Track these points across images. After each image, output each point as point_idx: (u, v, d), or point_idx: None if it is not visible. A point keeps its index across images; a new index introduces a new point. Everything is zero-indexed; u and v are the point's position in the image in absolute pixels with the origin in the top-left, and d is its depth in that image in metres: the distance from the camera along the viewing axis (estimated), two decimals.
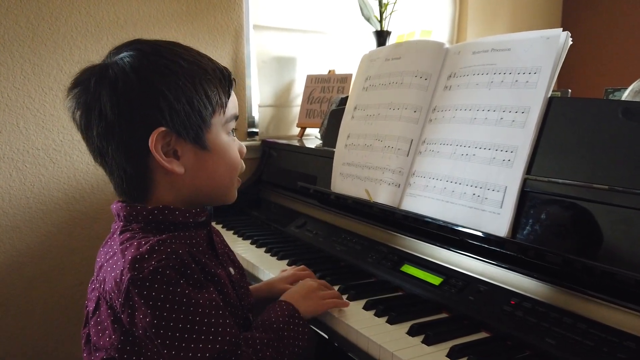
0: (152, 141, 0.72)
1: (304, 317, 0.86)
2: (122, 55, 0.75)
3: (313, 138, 1.93)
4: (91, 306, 0.76)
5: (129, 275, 0.67)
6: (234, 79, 0.83)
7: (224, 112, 0.80)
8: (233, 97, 0.82)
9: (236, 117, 0.84)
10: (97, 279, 0.76)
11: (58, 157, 1.57)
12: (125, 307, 0.68)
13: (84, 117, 0.75)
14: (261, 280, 1.17)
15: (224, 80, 0.80)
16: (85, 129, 0.75)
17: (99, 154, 0.76)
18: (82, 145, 1.59)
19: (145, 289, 0.66)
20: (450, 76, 1.08)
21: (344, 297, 0.98)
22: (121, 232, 0.75)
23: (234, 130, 0.84)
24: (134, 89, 0.72)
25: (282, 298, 0.90)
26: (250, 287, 1.05)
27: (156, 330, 0.66)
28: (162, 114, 0.72)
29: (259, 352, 0.75)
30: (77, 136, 1.56)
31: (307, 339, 0.84)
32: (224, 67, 0.81)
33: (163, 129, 0.73)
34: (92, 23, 1.58)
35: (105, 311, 0.72)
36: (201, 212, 0.81)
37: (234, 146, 0.83)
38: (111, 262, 0.72)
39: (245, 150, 0.86)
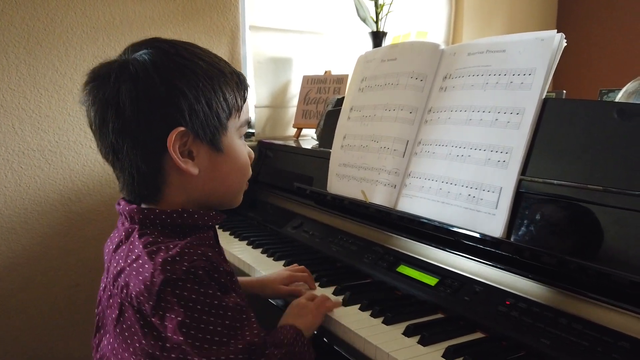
0: (170, 140, 0.72)
1: (306, 335, 0.86)
2: (141, 52, 0.74)
3: (309, 139, 1.93)
4: (114, 313, 0.73)
5: (162, 277, 0.66)
6: (248, 84, 0.83)
7: (239, 116, 0.80)
8: (246, 102, 0.82)
9: (248, 122, 0.84)
10: (114, 285, 0.73)
11: (54, 159, 1.57)
12: (157, 309, 0.66)
13: (100, 112, 0.73)
14: None
15: (240, 84, 0.80)
16: (101, 125, 0.74)
17: (111, 150, 0.74)
18: (78, 147, 1.60)
19: (178, 288, 0.66)
20: (445, 77, 1.08)
21: (340, 297, 0.98)
22: (140, 236, 0.73)
23: (244, 135, 0.85)
24: (155, 87, 0.71)
25: (280, 323, 0.89)
26: (242, 279, 1.04)
27: (187, 330, 0.65)
28: (182, 113, 0.72)
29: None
30: (73, 137, 1.58)
31: (313, 356, 0.84)
32: (240, 72, 0.81)
33: (182, 128, 0.72)
34: (88, 24, 1.58)
35: (132, 316, 0.70)
36: (217, 215, 0.80)
37: (246, 151, 0.83)
38: (135, 267, 0.70)
39: (253, 155, 0.86)
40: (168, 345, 0.67)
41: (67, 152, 1.59)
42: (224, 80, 0.77)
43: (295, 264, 1.12)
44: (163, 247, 0.70)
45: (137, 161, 0.73)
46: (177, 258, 0.68)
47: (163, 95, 0.71)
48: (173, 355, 0.67)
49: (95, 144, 0.78)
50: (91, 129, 0.77)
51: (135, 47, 0.76)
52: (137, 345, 0.69)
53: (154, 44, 0.75)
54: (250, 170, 0.85)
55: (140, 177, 0.75)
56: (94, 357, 0.79)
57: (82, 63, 1.58)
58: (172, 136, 0.72)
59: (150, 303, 0.67)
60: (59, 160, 1.58)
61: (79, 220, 1.63)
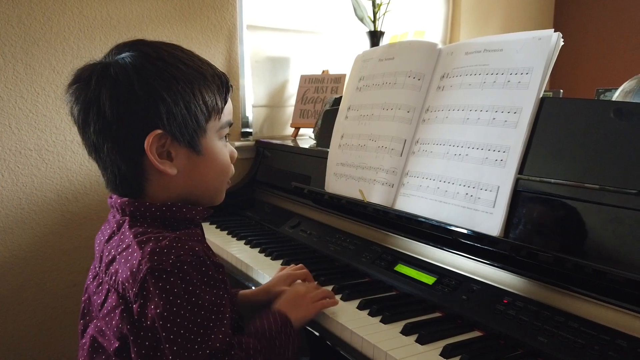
0: (147, 143, 0.74)
1: (295, 326, 0.87)
2: (124, 55, 0.76)
3: (307, 138, 1.93)
4: (99, 299, 0.76)
5: (147, 265, 0.68)
6: (232, 86, 0.84)
7: (219, 118, 0.81)
8: (229, 104, 0.84)
9: (230, 124, 0.85)
10: (106, 273, 0.76)
11: (50, 158, 1.56)
12: (139, 297, 0.68)
13: (82, 113, 0.76)
14: (255, 280, 1.18)
15: (222, 86, 0.81)
16: (83, 125, 0.77)
17: (94, 149, 0.78)
18: (75, 146, 1.59)
19: (161, 280, 0.68)
20: (443, 76, 1.08)
21: (338, 296, 0.98)
22: (131, 227, 0.76)
23: (227, 135, 0.86)
24: (134, 91, 0.73)
25: (273, 307, 0.91)
26: (246, 292, 1.05)
27: (164, 322, 0.67)
28: (160, 116, 0.74)
29: (251, 358, 0.76)
30: (70, 137, 1.58)
31: (296, 348, 0.85)
32: (223, 73, 0.83)
33: (159, 131, 0.74)
34: (85, 23, 1.57)
35: (115, 300, 0.72)
36: (204, 210, 0.82)
37: (226, 151, 0.85)
38: (125, 255, 0.73)
39: (236, 154, 0.88)
40: (142, 333, 0.69)
41: (64, 151, 1.58)
42: (205, 83, 0.78)
43: (293, 264, 1.12)
44: (153, 238, 0.72)
45: (117, 161, 0.76)
46: (165, 250, 0.69)
47: (141, 98, 0.73)
48: (147, 343, 0.69)
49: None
50: (76, 127, 0.80)
51: (120, 48, 0.78)
52: (115, 329, 0.72)
53: (138, 47, 0.77)
54: (232, 169, 0.86)
55: (121, 175, 0.78)
56: (80, 342, 0.82)
57: (79, 62, 1.55)
58: (150, 139, 0.74)
59: (134, 290, 0.69)
60: (56, 160, 1.57)
61: (76, 220, 1.62)
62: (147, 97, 0.73)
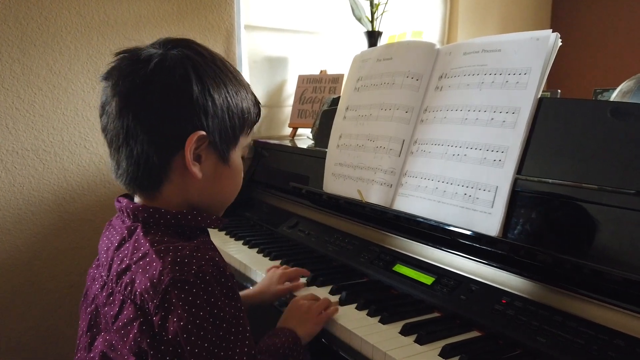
0: (189, 141, 0.73)
1: (304, 342, 0.87)
2: (179, 49, 0.75)
3: (305, 138, 1.93)
4: (112, 311, 0.72)
5: (170, 276, 0.65)
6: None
7: (249, 134, 0.83)
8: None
9: (249, 145, 0.87)
10: (117, 282, 0.72)
11: (48, 158, 1.56)
12: (160, 308, 0.66)
13: (125, 94, 0.72)
14: (254, 280, 1.17)
15: (255, 105, 0.84)
16: (122, 106, 0.72)
17: (124, 134, 0.73)
18: (73, 146, 1.59)
19: (184, 291, 0.65)
20: (441, 77, 1.08)
21: (336, 297, 0.98)
22: (145, 234, 0.73)
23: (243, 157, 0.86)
24: (190, 87, 0.72)
25: (281, 325, 0.90)
26: (240, 294, 1.05)
27: (188, 335, 0.65)
28: (207, 118, 0.74)
29: None
30: (67, 137, 1.57)
31: None
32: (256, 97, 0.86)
33: (203, 133, 0.74)
34: (82, 23, 1.57)
35: (132, 312, 0.69)
36: (218, 219, 0.81)
37: (242, 169, 0.85)
38: (142, 264, 0.69)
39: (242, 174, 0.88)
40: (163, 347, 0.66)
41: (62, 152, 1.58)
42: (246, 96, 0.81)
43: (287, 265, 1.12)
44: (172, 248, 0.69)
45: (149, 151, 0.73)
46: (186, 260, 0.67)
47: (195, 96, 0.73)
48: (168, 358, 0.67)
49: (100, 125, 0.77)
50: (103, 108, 0.76)
51: (167, 43, 0.77)
52: (132, 342, 0.68)
53: (191, 46, 0.77)
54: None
55: (147, 167, 0.74)
56: (81, 357, 0.78)
57: (76, 62, 1.57)
58: (193, 138, 0.73)
59: (155, 301, 0.66)
60: (53, 160, 1.57)
61: (74, 221, 1.62)
62: (201, 96, 0.73)
